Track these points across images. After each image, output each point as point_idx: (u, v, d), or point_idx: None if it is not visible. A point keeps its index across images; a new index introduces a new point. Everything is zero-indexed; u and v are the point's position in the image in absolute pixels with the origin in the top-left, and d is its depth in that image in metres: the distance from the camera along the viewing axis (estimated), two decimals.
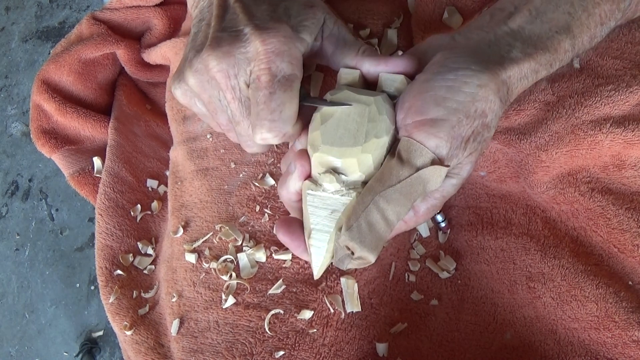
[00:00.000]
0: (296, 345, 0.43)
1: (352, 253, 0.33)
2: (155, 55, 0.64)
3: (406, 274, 0.49)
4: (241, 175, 0.49)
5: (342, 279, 0.45)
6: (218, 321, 0.45)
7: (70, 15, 1.72)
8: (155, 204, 0.61)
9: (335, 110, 0.35)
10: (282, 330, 0.43)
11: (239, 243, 0.47)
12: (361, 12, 0.51)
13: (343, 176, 0.34)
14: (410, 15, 0.51)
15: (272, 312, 0.44)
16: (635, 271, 0.43)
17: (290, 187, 0.37)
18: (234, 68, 0.35)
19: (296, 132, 0.36)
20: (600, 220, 0.44)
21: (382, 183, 0.33)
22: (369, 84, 0.39)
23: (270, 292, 0.44)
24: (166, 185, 0.62)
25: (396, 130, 0.35)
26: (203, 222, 0.50)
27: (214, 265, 0.47)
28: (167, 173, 0.62)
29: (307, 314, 0.43)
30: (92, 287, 1.38)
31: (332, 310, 0.44)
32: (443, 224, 0.49)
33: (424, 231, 0.50)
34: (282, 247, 0.46)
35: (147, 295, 0.54)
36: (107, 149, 0.63)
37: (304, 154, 0.36)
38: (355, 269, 0.45)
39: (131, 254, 0.57)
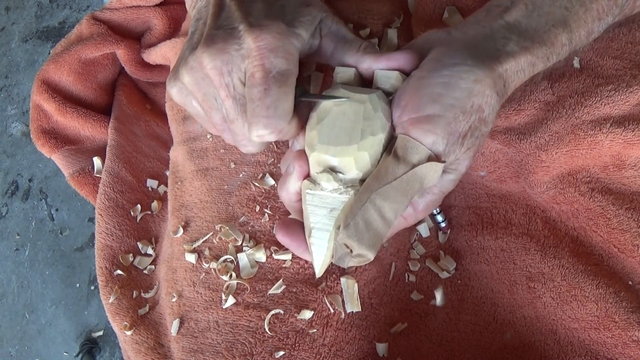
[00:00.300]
0: (296, 345, 0.43)
1: (351, 251, 0.33)
2: (155, 55, 0.64)
3: (406, 274, 0.49)
4: (241, 175, 0.49)
5: (342, 279, 0.45)
6: (218, 321, 0.45)
7: (70, 15, 1.72)
8: (155, 204, 0.61)
9: (331, 110, 0.35)
10: (282, 330, 0.43)
11: (239, 243, 0.47)
12: (361, 12, 0.51)
13: (340, 174, 0.34)
14: (411, 15, 0.51)
15: (272, 312, 0.44)
16: (635, 271, 0.43)
17: (290, 188, 0.37)
18: (227, 65, 0.35)
19: (293, 129, 0.36)
20: (600, 220, 0.44)
21: (378, 181, 0.33)
22: (366, 82, 0.39)
23: (270, 292, 0.44)
24: (166, 185, 0.62)
25: (393, 128, 0.35)
26: (203, 222, 0.50)
27: (214, 265, 0.47)
28: (167, 173, 0.62)
29: (307, 314, 0.43)
30: (92, 287, 1.38)
31: (332, 310, 0.44)
32: (443, 224, 0.49)
33: (424, 231, 0.50)
34: (282, 247, 0.46)
35: (147, 295, 0.54)
36: (107, 149, 0.63)
37: (302, 154, 0.36)
38: (355, 269, 0.45)
39: (131, 254, 0.57)
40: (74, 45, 0.64)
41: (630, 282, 0.43)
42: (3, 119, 1.66)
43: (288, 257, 0.45)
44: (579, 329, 0.43)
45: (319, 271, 0.37)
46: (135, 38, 0.68)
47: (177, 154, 0.56)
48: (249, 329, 0.44)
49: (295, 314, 0.43)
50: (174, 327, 0.47)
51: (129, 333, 0.51)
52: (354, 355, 0.44)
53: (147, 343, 0.50)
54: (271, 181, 0.48)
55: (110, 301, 0.53)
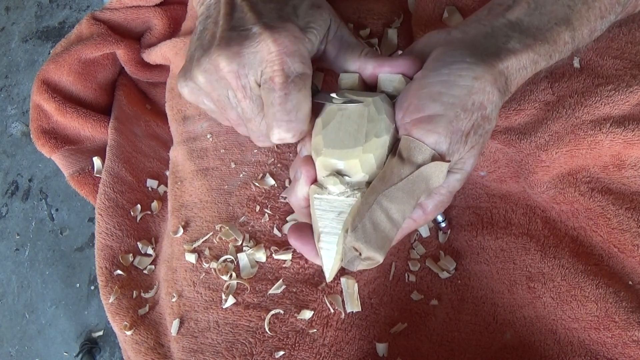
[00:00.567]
0: (296, 345, 0.43)
1: (360, 254, 0.33)
2: (155, 55, 0.64)
3: (406, 274, 0.49)
4: (241, 175, 0.49)
5: (342, 279, 0.45)
6: (218, 321, 0.45)
7: (70, 15, 1.72)
8: (155, 204, 0.61)
9: (336, 114, 0.35)
10: (282, 330, 0.43)
11: (239, 243, 0.47)
12: (361, 11, 0.51)
13: (347, 178, 0.35)
14: (411, 15, 0.51)
15: (272, 312, 0.44)
16: (635, 271, 0.43)
17: (298, 194, 0.37)
18: (244, 68, 0.35)
19: (309, 129, 0.37)
20: (600, 220, 0.44)
21: (384, 182, 0.33)
22: (369, 87, 0.39)
23: (270, 292, 0.44)
24: (166, 185, 0.62)
25: (396, 130, 0.35)
26: (203, 222, 0.50)
27: (214, 265, 0.47)
28: (167, 173, 0.62)
29: (307, 314, 0.43)
30: (92, 287, 1.38)
31: (332, 310, 0.44)
32: (443, 224, 0.49)
33: (424, 231, 0.50)
34: (282, 247, 0.46)
35: (147, 295, 0.54)
36: (107, 149, 0.63)
37: (309, 160, 0.36)
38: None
39: (131, 254, 0.57)
40: (74, 45, 0.64)
41: (630, 282, 0.43)
42: (3, 119, 1.66)
43: (288, 257, 0.45)
44: (579, 329, 0.43)
45: (329, 275, 0.37)
46: (135, 38, 0.68)
47: (177, 154, 0.56)
48: (249, 329, 0.44)
49: (295, 314, 0.43)
50: (174, 327, 0.47)
51: (129, 333, 0.51)
52: (354, 355, 0.44)
53: (147, 343, 0.50)
54: (271, 181, 0.48)
55: (110, 301, 0.53)
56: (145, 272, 0.57)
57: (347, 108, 0.35)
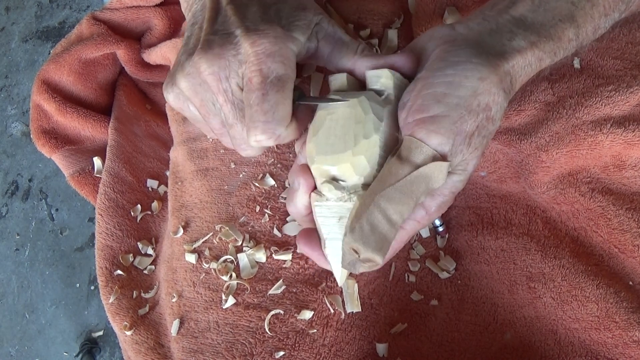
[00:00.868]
0: (296, 345, 0.43)
1: (359, 255, 0.33)
2: (155, 56, 0.64)
3: (406, 274, 0.49)
4: (241, 175, 0.49)
5: None
6: (218, 321, 0.45)
7: (70, 15, 1.72)
8: (155, 204, 0.61)
9: (325, 120, 0.35)
10: (282, 331, 0.43)
11: (239, 243, 0.47)
12: (361, 12, 0.51)
13: (342, 182, 0.34)
14: (411, 15, 0.51)
15: (272, 312, 0.44)
16: (636, 271, 0.43)
17: (298, 203, 0.37)
18: (225, 70, 0.35)
19: (291, 133, 0.36)
20: (601, 220, 0.44)
21: (382, 183, 0.33)
22: (365, 86, 0.39)
23: (270, 292, 0.44)
24: (166, 185, 0.62)
25: (398, 130, 0.35)
26: (203, 223, 0.50)
27: (214, 265, 0.47)
28: (167, 173, 0.62)
29: (307, 314, 0.43)
30: (92, 287, 1.38)
31: (332, 311, 0.44)
32: (441, 229, 0.49)
33: (424, 231, 0.50)
34: (282, 248, 0.46)
35: (147, 296, 0.54)
36: (107, 149, 0.63)
37: (306, 168, 0.36)
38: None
39: (131, 254, 0.57)
40: (74, 45, 0.64)
41: (630, 283, 0.43)
42: (3, 119, 1.66)
43: (288, 257, 0.45)
44: (580, 329, 0.43)
45: (340, 280, 0.37)
46: (135, 38, 0.68)
47: (177, 154, 0.56)
48: (249, 329, 0.44)
49: (295, 314, 0.43)
50: (174, 328, 0.47)
51: (129, 333, 0.51)
52: (354, 355, 0.44)
53: (147, 343, 0.50)
54: (271, 181, 0.48)
55: (110, 301, 0.53)
56: (145, 272, 0.57)
57: (335, 112, 0.35)
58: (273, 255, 0.46)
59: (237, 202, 0.48)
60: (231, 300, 0.45)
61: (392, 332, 0.47)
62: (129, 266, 0.56)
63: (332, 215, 0.35)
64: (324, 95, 0.37)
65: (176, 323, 0.47)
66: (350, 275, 0.45)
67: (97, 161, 0.65)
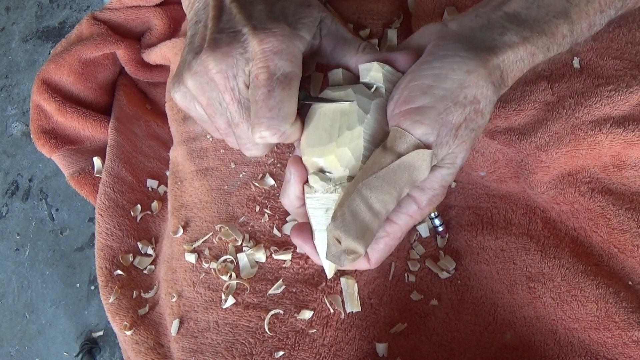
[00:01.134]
0: (296, 345, 0.43)
1: (340, 243, 0.32)
2: (155, 56, 0.64)
3: (406, 274, 0.49)
4: (241, 175, 0.49)
5: (342, 279, 0.45)
6: (218, 321, 0.45)
7: (70, 15, 1.72)
8: (155, 204, 0.61)
9: (315, 112, 0.36)
10: (282, 331, 0.43)
11: (239, 243, 0.47)
12: (361, 12, 0.51)
13: (329, 174, 0.35)
14: (410, 15, 0.51)
15: (272, 312, 0.44)
16: (635, 271, 0.43)
17: (290, 194, 0.37)
18: (232, 69, 0.35)
19: (296, 131, 0.36)
20: (601, 220, 0.44)
21: (366, 172, 0.33)
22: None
23: (270, 292, 0.44)
24: (166, 185, 0.62)
25: (386, 123, 0.35)
26: (203, 222, 0.50)
27: (213, 265, 0.47)
28: (167, 173, 0.62)
29: (307, 314, 0.43)
30: (92, 287, 1.38)
31: (332, 311, 0.44)
32: (440, 229, 0.49)
33: (424, 231, 0.50)
34: (282, 247, 0.46)
35: (147, 296, 0.54)
36: (107, 149, 0.63)
37: (298, 159, 0.36)
38: (356, 269, 0.45)
39: (131, 254, 0.57)
40: (74, 45, 0.64)
41: (630, 282, 0.43)
42: (3, 119, 1.66)
43: (288, 257, 0.45)
44: (579, 329, 0.43)
45: (329, 272, 0.37)
46: (135, 38, 0.68)
47: (177, 154, 0.56)
48: (249, 329, 0.44)
49: (295, 314, 0.43)
50: (173, 327, 0.47)
51: (129, 333, 0.51)
52: (353, 355, 0.44)
53: (147, 343, 0.50)
54: (271, 181, 0.48)
55: (110, 301, 0.53)
56: (145, 272, 0.57)
57: (325, 105, 0.35)
58: (273, 255, 0.46)
59: (237, 202, 0.48)
60: (231, 300, 0.45)
61: (392, 332, 0.47)
62: (128, 266, 0.56)
63: (320, 207, 0.35)
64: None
65: (176, 323, 0.47)
66: (350, 275, 0.45)
67: (97, 161, 0.65)
